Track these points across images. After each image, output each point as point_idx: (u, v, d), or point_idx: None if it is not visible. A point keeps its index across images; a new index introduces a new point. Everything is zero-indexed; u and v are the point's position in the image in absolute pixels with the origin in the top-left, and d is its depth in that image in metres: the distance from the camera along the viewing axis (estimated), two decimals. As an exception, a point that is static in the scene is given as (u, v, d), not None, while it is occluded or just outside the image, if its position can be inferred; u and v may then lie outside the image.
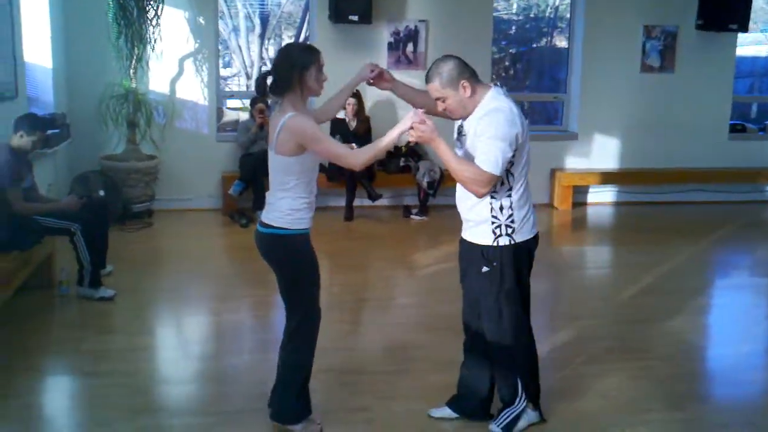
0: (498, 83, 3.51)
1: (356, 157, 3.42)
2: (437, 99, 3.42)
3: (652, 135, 9.07)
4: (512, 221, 3.44)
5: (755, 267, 7.13)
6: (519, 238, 3.46)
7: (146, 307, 5.50)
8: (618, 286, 6.21)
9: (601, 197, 9.19)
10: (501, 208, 3.43)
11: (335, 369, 4.36)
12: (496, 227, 3.44)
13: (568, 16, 9.28)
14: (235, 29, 10.43)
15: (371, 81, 3.70)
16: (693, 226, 8.33)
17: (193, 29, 8.05)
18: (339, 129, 7.95)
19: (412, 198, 8.48)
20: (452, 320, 4.97)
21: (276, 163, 3.42)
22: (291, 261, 3.54)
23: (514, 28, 10.53)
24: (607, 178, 9.01)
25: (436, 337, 4.87)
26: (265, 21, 10.45)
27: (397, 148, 8.40)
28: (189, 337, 5.13)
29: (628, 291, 5.96)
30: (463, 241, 3.64)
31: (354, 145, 7.96)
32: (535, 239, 3.56)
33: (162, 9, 7.59)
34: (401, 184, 8.46)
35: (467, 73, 3.37)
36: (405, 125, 3.31)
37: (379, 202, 8.13)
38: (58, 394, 4.27)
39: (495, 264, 3.45)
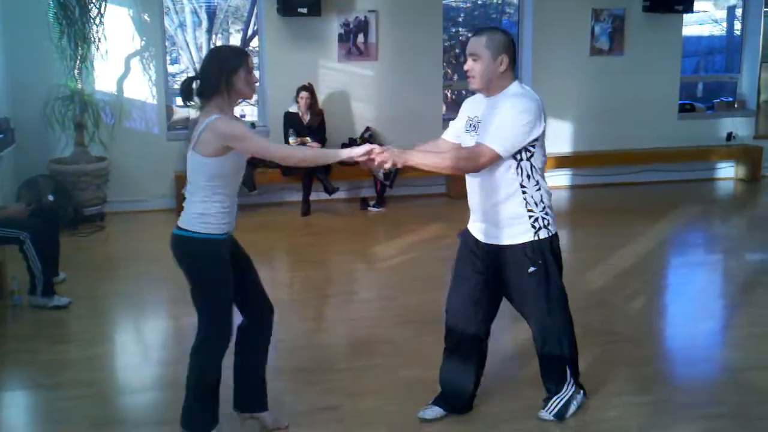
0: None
1: (290, 153, 3.36)
2: (471, 55, 3.38)
3: (603, 117, 9.15)
4: (546, 213, 3.45)
5: (708, 244, 7.26)
6: (554, 229, 3.50)
7: (103, 314, 5.37)
8: (577, 269, 6.22)
9: (556, 181, 9.21)
10: (535, 202, 3.41)
11: (302, 368, 4.29)
12: (534, 221, 3.42)
13: (516, 1, 9.30)
14: (182, 25, 10.24)
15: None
16: (647, 206, 8.43)
17: (138, 27, 7.86)
18: (292, 123, 7.87)
19: (369, 190, 8.42)
20: (417, 312, 4.97)
21: (193, 163, 3.30)
22: (196, 267, 3.40)
23: (462, 15, 10.51)
24: (561, 161, 9.07)
25: (402, 331, 4.83)
26: (211, 15, 10.29)
27: (352, 139, 8.34)
28: (148, 343, 5.02)
29: (588, 274, 5.99)
30: (483, 245, 3.53)
31: (308, 138, 7.89)
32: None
33: (105, 7, 7.40)
34: (357, 176, 8.39)
35: (512, 55, 3.38)
36: (355, 152, 3.29)
37: (335, 196, 8.07)
38: (14, 410, 4.11)
39: (540, 262, 3.44)
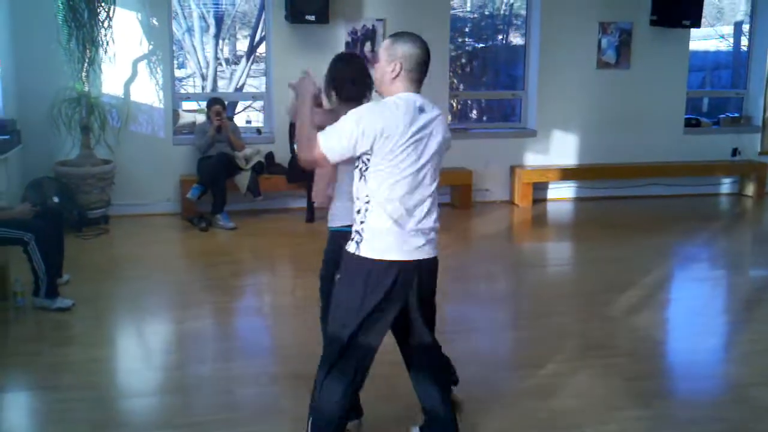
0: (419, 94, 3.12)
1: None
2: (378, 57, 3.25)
3: (609, 130, 9.15)
4: (362, 229, 3.04)
5: (712, 260, 7.24)
6: (365, 252, 3.03)
7: (105, 317, 5.37)
8: (580, 282, 6.24)
9: (561, 193, 9.25)
10: (358, 210, 3.08)
11: (302, 375, 4.25)
12: (354, 231, 3.09)
13: (523, 13, 9.33)
14: (189, 30, 10.26)
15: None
16: (652, 220, 8.43)
17: (146, 31, 7.89)
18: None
19: (373, 198, 8.42)
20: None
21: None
22: None
23: (469, 25, 10.53)
24: (566, 174, 9.07)
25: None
26: (219, 21, 10.31)
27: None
28: (150, 347, 5.01)
29: (591, 287, 5.99)
30: None
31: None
32: (389, 268, 3.02)
33: (114, 10, 7.42)
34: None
35: (411, 65, 3.06)
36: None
37: (340, 203, 8.05)
38: (15, 411, 4.11)
39: (339, 277, 3.15)
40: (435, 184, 3.13)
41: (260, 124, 8.83)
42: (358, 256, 3.05)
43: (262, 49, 9.69)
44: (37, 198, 6.74)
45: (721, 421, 3.91)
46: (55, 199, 6.93)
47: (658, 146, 9.31)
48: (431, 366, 3.42)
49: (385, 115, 2.99)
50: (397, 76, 3.08)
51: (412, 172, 3.02)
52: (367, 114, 3.00)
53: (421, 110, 3.05)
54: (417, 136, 3.01)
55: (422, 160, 3.04)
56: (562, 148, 9.15)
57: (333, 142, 3.00)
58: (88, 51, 7.30)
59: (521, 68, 9.31)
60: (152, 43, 7.94)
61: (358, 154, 3.01)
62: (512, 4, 10.31)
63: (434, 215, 3.16)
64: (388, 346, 4.04)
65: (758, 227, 8.77)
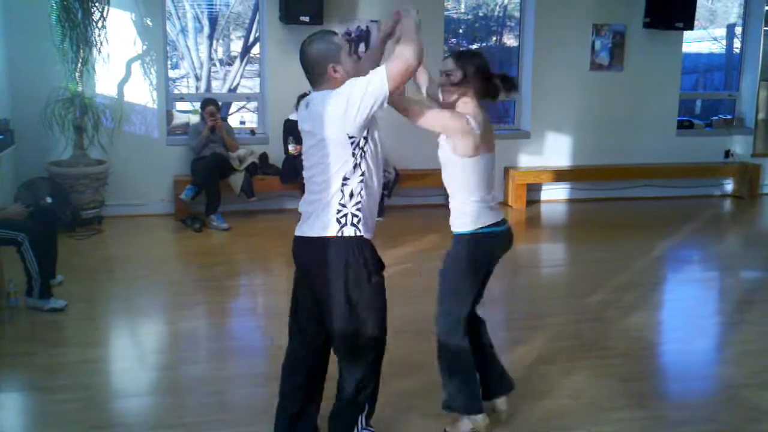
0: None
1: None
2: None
3: (602, 132, 9.18)
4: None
5: (705, 261, 7.27)
6: None
7: (99, 317, 5.35)
8: (575, 283, 6.26)
9: (555, 195, 9.27)
10: None
11: (296, 376, 4.28)
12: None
13: (517, 14, 9.34)
14: (183, 30, 10.25)
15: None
16: (645, 221, 8.45)
17: (140, 31, 7.88)
18: (292, 131, 7.86)
19: (367, 199, 8.41)
20: (412, 323, 4.97)
21: None
22: None
23: (463, 26, 10.54)
24: (559, 175, 9.09)
25: (395, 341, 4.78)
26: (213, 21, 10.29)
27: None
28: (144, 347, 5.00)
29: (585, 288, 6.00)
30: None
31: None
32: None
33: (108, 11, 7.41)
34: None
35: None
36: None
37: (334, 204, 8.04)
38: (8, 412, 4.10)
39: None
40: (314, 170, 3.30)
41: (254, 125, 8.82)
42: None
43: (256, 50, 9.67)
44: (31, 198, 6.72)
45: (714, 421, 3.92)
46: (49, 200, 6.92)
47: (652, 148, 9.34)
48: None
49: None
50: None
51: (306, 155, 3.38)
52: None
53: (306, 106, 3.35)
54: (302, 128, 3.35)
55: (306, 145, 3.35)
56: (555, 150, 9.18)
57: None
58: (81, 51, 7.29)
59: (515, 70, 9.32)
60: (146, 43, 7.93)
61: None
62: (506, 6, 10.33)
63: (310, 194, 3.35)
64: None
65: (751, 229, 8.81)
